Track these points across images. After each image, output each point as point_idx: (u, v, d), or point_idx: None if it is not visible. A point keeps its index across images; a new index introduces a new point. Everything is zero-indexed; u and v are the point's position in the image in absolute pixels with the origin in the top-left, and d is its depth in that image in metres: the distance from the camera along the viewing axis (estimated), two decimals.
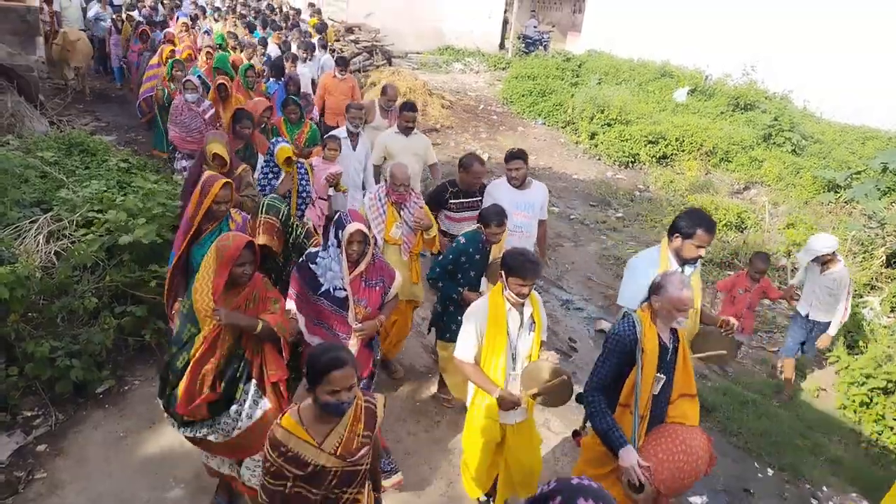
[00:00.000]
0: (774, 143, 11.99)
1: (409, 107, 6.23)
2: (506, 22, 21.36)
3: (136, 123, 10.14)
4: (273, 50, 10.96)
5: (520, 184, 5.08)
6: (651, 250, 3.76)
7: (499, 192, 4.97)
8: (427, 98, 13.68)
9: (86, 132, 8.52)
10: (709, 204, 9.51)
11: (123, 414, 4.41)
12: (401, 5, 18.74)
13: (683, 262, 3.53)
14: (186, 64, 8.35)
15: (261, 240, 3.56)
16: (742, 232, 9.05)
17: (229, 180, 3.87)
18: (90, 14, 12.73)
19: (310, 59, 10.03)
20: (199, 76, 7.58)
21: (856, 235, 8.33)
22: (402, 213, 4.70)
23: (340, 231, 3.45)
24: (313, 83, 9.63)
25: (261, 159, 5.69)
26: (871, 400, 5.58)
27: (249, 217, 3.91)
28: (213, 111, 7.00)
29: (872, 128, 13.00)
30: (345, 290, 3.53)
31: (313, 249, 3.69)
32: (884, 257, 7.79)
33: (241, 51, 10.04)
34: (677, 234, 3.51)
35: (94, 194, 5.56)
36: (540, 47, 20.52)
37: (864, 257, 8.08)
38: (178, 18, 12.13)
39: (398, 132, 6.21)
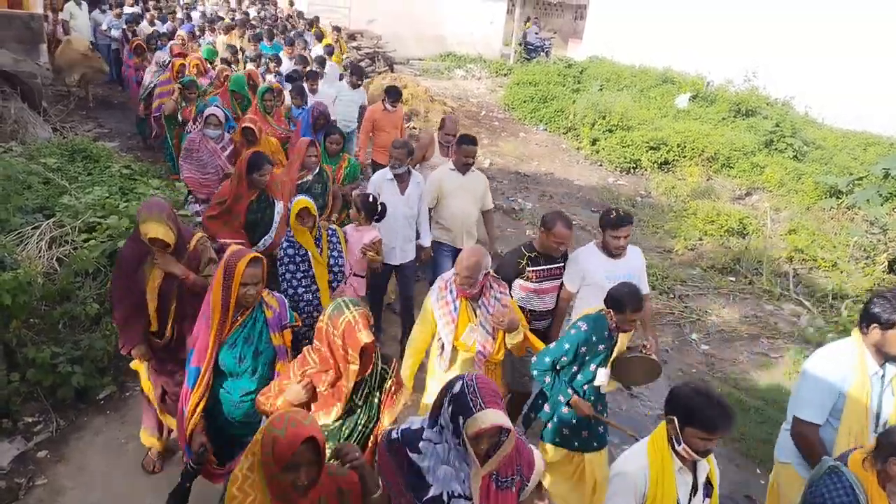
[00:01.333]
0: (776, 148, 11.99)
1: (469, 140, 5.30)
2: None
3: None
4: (286, 65, 10.28)
5: (466, 170, 5.23)
6: (839, 346, 3.05)
7: (589, 260, 4.14)
8: (429, 104, 13.71)
9: (88, 138, 8.55)
10: (710, 210, 9.51)
11: (125, 420, 4.41)
12: (403, 12, 18.84)
13: (886, 358, 2.88)
14: (198, 79, 7.96)
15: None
16: (744, 238, 9.04)
17: (258, 255, 3.05)
18: (104, 24, 12.55)
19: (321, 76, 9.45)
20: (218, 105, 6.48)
21: (858, 241, 8.33)
22: (478, 310, 3.56)
23: (462, 418, 2.09)
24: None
25: (278, 207, 4.78)
26: None
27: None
28: (231, 148, 6.07)
29: (874, 134, 13.01)
30: (469, 498, 2.20)
31: (408, 425, 2.34)
32: (886, 263, 7.79)
33: (244, 64, 9.79)
34: (876, 325, 2.84)
35: (96, 200, 5.56)
36: (542, 54, 20.59)
37: (866, 263, 8.07)
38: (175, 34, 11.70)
39: (454, 169, 5.35)
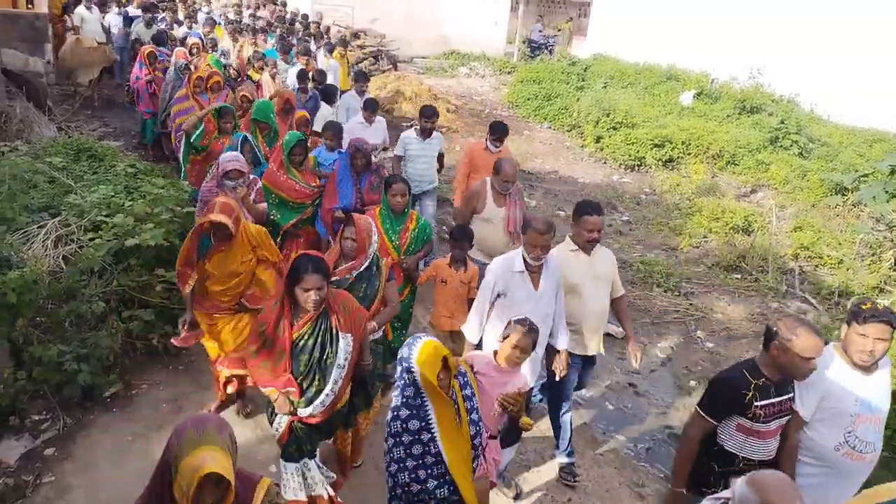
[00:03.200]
0: (781, 146, 11.95)
1: (593, 209, 3.90)
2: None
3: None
4: (292, 79, 9.11)
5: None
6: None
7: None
8: (433, 102, 13.71)
9: (94, 138, 8.58)
10: (715, 207, 9.48)
11: (131, 418, 4.42)
12: (406, 10, 18.85)
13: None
14: (213, 96, 7.42)
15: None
16: (749, 235, 9.01)
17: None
18: (133, 29, 11.90)
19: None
20: (247, 139, 5.65)
21: (864, 238, 8.30)
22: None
23: None
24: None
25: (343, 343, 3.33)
26: None
27: None
28: (258, 187, 5.03)
29: (880, 130, 12.96)
30: None
31: None
32: (892, 260, 7.75)
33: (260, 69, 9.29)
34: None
35: (101, 199, 5.57)
36: (546, 52, 20.57)
37: (872, 260, 8.04)
38: (188, 39, 10.79)
39: (575, 249, 3.97)
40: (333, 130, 6.08)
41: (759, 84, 14.08)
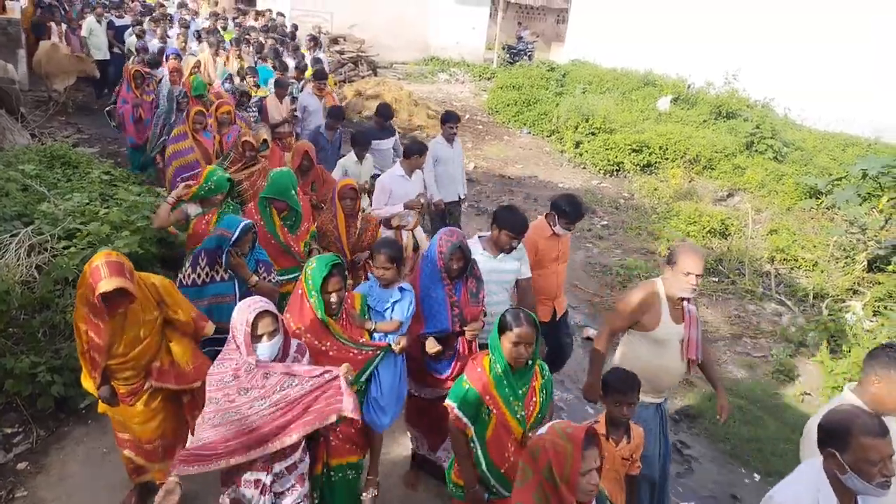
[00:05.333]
0: (757, 150, 12.14)
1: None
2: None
3: (119, 135, 10.03)
4: (310, 101, 7.99)
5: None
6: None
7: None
8: (413, 108, 13.73)
9: (68, 144, 8.44)
10: (693, 211, 9.59)
11: (106, 430, 4.33)
12: (386, 16, 18.85)
13: None
14: (224, 131, 6.37)
15: None
16: (726, 238, 9.12)
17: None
18: (127, 37, 11.35)
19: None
20: (251, 230, 3.87)
21: (838, 241, 8.44)
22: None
23: None
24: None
25: None
26: None
27: None
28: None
29: (852, 135, 13.21)
30: None
31: None
32: (865, 262, 7.89)
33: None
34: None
35: (76, 207, 5.49)
36: (524, 57, 20.69)
37: (846, 262, 8.18)
38: (167, 56, 9.65)
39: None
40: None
41: (735, 89, 14.28)
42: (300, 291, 3.16)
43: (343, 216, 4.79)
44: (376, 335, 3.38)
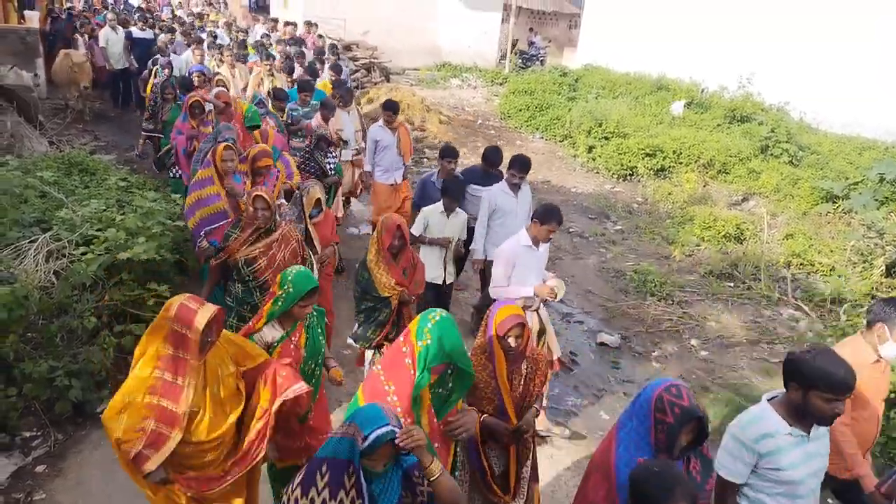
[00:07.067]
0: (772, 154, 12.04)
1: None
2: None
3: (135, 143, 10.15)
4: (383, 136, 7.10)
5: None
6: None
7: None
8: (425, 114, 13.77)
9: (85, 152, 8.55)
10: (707, 216, 9.52)
11: None
12: (398, 23, 18.93)
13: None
14: (258, 181, 5.20)
15: None
16: (741, 243, 9.05)
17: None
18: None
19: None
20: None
21: (855, 245, 8.34)
22: None
23: None
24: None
25: None
26: None
27: None
28: None
29: (869, 138, 13.06)
30: None
31: None
32: (883, 267, 7.79)
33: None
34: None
35: (93, 213, 5.56)
36: (537, 62, 20.69)
37: (863, 267, 8.08)
38: (189, 73, 8.57)
39: None
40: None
41: (749, 93, 14.18)
42: None
43: (503, 360, 3.08)
44: None
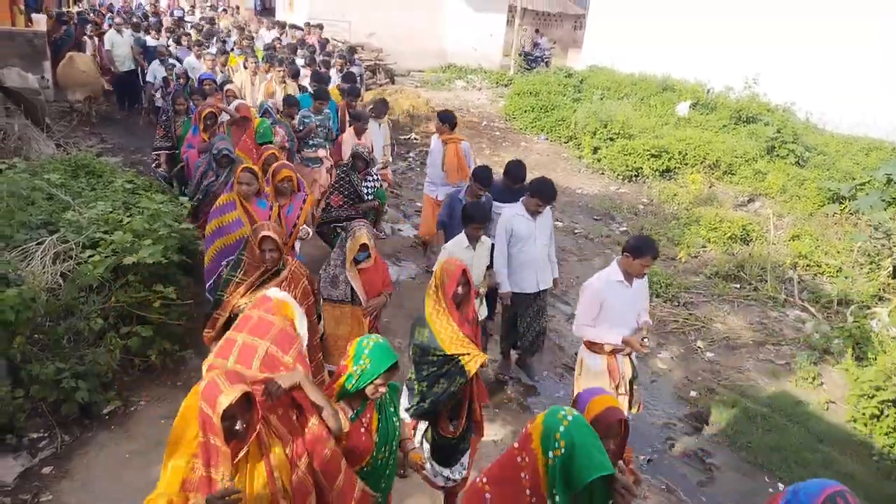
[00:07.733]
0: (778, 155, 11.99)
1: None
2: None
3: (142, 144, 10.23)
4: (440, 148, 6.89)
5: None
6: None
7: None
8: (430, 115, 13.78)
9: (92, 154, 8.58)
10: (713, 217, 9.50)
11: (129, 435, 4.40)
12: (403, 25, 18.95)
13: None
14: (282, 202, 4.98)
15: None
16: (747, 244, 9.02)
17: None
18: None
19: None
20: None
21: (862, 247, 8.31)
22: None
23: None
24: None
25: None
26: (882, 412, 5.51)
27: None
28: None
29: (876, 139, 12.99)
30: None
31: None
32: (890, 268, 7.75)
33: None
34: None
35: (100, 215, 5.58)
36: (542, 64, 20.68)
37: (870, 268, 8.05)
38: (200, 80, 8.40)
39: None
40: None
41: (755, 94, 14.13)
42: None
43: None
44: None
